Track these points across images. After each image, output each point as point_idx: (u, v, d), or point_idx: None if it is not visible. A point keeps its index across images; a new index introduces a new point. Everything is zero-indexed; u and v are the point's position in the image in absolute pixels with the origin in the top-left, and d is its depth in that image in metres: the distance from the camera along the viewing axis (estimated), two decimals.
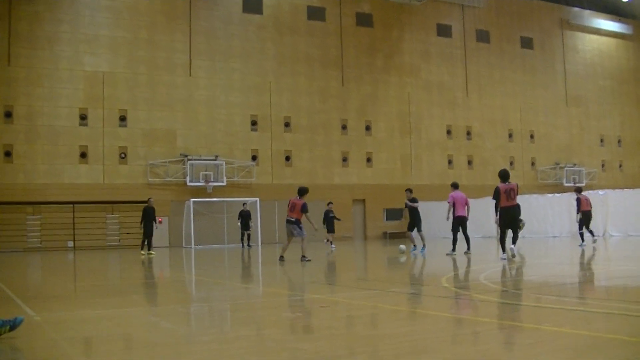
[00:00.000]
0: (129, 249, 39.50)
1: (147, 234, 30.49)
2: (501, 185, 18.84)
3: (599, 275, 15.16)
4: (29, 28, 40.69)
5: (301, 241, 22.26)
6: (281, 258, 22.30)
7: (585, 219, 26.77)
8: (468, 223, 23.54)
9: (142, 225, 30.50)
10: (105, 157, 41.92)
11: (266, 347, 7.15)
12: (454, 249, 23.10)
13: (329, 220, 33.32)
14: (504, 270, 16.42)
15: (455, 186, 24.15)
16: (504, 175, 19.14)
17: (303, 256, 21.83)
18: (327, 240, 34.08)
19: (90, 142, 41.61)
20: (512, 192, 18.77)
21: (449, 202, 23.66)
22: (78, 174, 41.25)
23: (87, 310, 10.86)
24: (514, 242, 19.10)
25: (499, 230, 19.37)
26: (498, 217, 19.07)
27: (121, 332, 8.47)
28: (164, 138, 43.47)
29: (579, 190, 27.82)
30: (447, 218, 23.84)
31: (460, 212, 23.35)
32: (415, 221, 25.16)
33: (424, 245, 25.06)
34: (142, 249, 30.72)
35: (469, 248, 23.74)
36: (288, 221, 22.17)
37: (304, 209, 21.90)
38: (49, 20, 41.29)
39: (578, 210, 26.88)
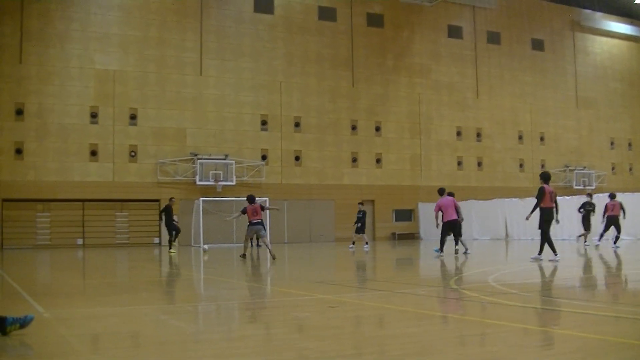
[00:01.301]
0: (138, 247, 39.61)
1: (176, 232, 32.05)
2: (546, 187, 19.03)
3: (609, 279, 15.12)
4: (40, 26, 40.82)
5: (266, 239, 24.95)
6: (243, 256, 24.66)
7: (608, 223, 27.06)
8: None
9: (166, 223, 31.28)
10: (115, 155, 42.00)
11: (273, 346, 7.17)
12: (441, 250, 23.41)
13: (359, 221, 33.47)
14: (513, 272, 16.40)
15: (440, 192, 24.70)
16: (547, 177, 19.47)
17: (273, 255, 23.56)
18: (353, 243, 34.46)
19: (101, 140, 41.70)
20: (553, 194, 19.00)
21: (435, 210, 24.10)
22: (88, 172, 41.33)
23: (96, 307, 10.89)
24: (541, 247, 19.24)
25: (542, 230, 19.25)
26: (538, 216, 19.10)
27: (130, 329, 8.50)
28: (173, 137, 43.53)
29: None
30: (437, 225, 24.16)
31: (450, 217, 23.70)
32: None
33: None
34: (170, 247, 31.38)
35: (467, 249, 24.36)
36: (255, 223, 24.04)
37: (263, 208, 24.65)
38: (60, 18, 41.40)
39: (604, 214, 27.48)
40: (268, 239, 25.41)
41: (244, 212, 24.45)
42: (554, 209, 19.30)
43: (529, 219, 19.74)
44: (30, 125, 40.24)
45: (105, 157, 41.78)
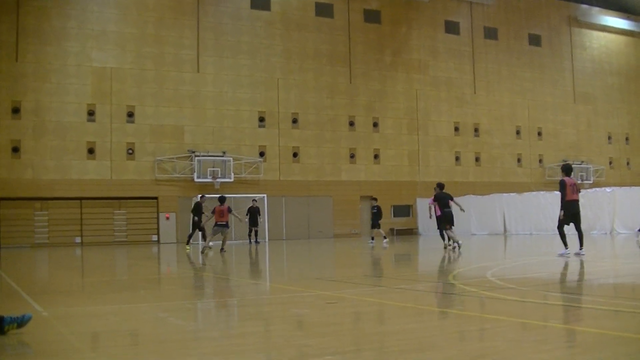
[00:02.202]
0: (137, 245, 39.59)
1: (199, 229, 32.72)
2: (567, 179, 18.48)
3: (607, 273, 15.11)
4: (36, 23, 40.77)
5: (226, 235, 27.79)
6: (203, 251, 27.78)
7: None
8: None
9: (196, 221, 31.72)
10: (113, 153, 41.99)
11: (273, 343, 7.15)
12: (447, 241, 24.74)
13: (373, 216, 34.60)
14: (511, 267, 16.40)
15: (441, 187, 25.60)
16: (568, 169, 18.86)
17: (222, 248, 27.32)
18: (372, 238, 35.55)
19: (98, 137, 41.68)
20: (575, 187, 18.51)
21: (429, 204, 25.82)
22: (86, 170, 41.31)
23: (95, 305, 10.88)
24: (580, 241, 18.69)
25: (559, 226, 18.82)
26: (562, 211, 18.57)
27: (129, 327, 8.48)
28: (171, 134, 43.51)
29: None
30: (430, 217, 26.05)
31: (439, 212, 25.13)
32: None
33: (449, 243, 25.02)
34: (207, 243, 31.37)
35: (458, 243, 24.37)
36: (221, 225, 27.06)
37: (230, 211, 27.33)
38: (57, 16, 41.35)
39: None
40: (228, 236, 28.57)
41: (213, 212, 27.16)
42: (578, 202, 18.64)
43: (562, 215, 18.65)
44: (27, 124, 40.19)
45: (103, 155, 41.75)
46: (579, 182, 55.31)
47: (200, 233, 32.84)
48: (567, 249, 18.45)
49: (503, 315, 8.48)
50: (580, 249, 18.40)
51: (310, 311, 9.58)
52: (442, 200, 24.88)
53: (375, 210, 34.48)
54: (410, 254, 24.88)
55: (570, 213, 18.45)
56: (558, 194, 39.29)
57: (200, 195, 34.07)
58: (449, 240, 24.47)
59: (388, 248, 29.23)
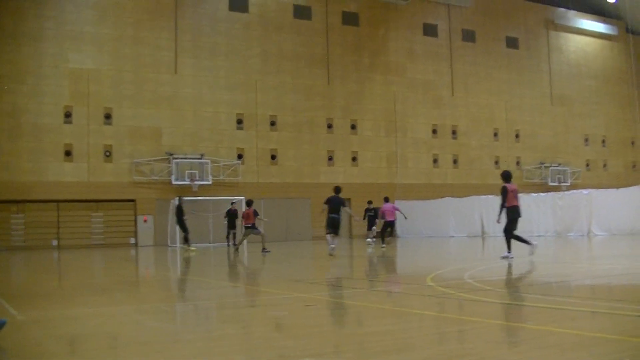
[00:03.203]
0: (115, 248, 39.43)
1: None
2: (508, 185, 18.90)
3: (585, 274, 15.20)
4: (13, 24, 40.48)
5: (262, 236, 28.79)
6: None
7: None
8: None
9: (179, 222, 32.99)
10: (90, 155, 41.75)
11: (252, 345, 7.14)
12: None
13: (369, 218, 36.42)
14: (488, 269, 16.46)
15: (385, 199, 32.00)
16: (508, 176, 19.29)
17: (264, 248, 27.88)
18: (369, 238, 36.66)
19: (75, 139, 41.43)
20: (516, 192, 18.91)
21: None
22: (63, 172, 41.05)
23: (72, 308, 10.80)
24: (508, 245, 19.08)
25: (506, 229, 19.15)
26: (505, 215, 19.02)
27: (107, 330, 8.42)
28: (149, 136, 43.33)
29: None
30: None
31: (388, 218, 31.05)
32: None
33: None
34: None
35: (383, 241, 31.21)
36: (247, 227, 28.64)
37: (255, 214, 28.72)
38: (34, 17, 41.08)
39: None
40: (264, 237, 29.13)
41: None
42: (519, 207, 19.15)
43: (499, 221, 19.42)
44: (3, 125, 39.90)
45: (80, 157, 41.52)
46: (556, 184, 55.83)
47: (184, 235, 33.00)
48: (510, 252, 18.85)
49: (481, 317, 8.52)
50: (509, 252, 18.79)
51: (289, 313, 9.58)
52: (331, 203, 24.80)
53: (372, 214, 36.19)
54: (389, 256, 24.88)
55: (512, 218, 18.90)
56: (536, 195, 39.68)
57: (178, 197, 34.19)
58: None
59: (369, 250, 29.33)
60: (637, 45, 63.81)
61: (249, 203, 29.36)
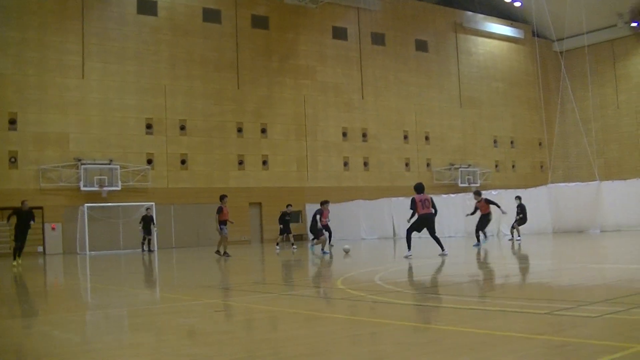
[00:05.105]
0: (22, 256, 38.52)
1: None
2: (416, 196, 20.83)
3: (495, 274, 15.42)
4: None
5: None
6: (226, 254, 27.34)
7: (483, 221, 27.35)
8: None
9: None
10: None
11: (162, 353, 7.10)
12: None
13: (284, 222, 33.93)
14: (399, 270, 16.58)
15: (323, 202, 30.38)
16: (419, 188, 21.12)
17: (224, 252, 27.24)
18: (278, 244, 35.54)
19: None
20: (426, 202, 20.70)
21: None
22: None
23: None
24: (439, 244, 20.91)
25: (407, 231, 21.11)
26: (414, 220, 20.95)
27: (9, 342, 8.21)
28: (56, 142, 42.45)
29: (478, 193, 29.01)
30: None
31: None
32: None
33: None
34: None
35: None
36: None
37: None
38: None
39: (474, 213, 28.11)
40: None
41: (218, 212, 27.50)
42: (432, 214, 20.99)
43: (411, 223, 21.20)
44: None
45: None
46: (466, 185, 56.58)
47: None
48: (410, 251, 20.74)
49: (392, 319, 8.63)
50: (443, 251, 20.62)
51: (199, 320, 9.59)
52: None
53: (288, 218, 34.12)
54: (300, 260, 24.89)
55: (423, 225, 20.82)
56: (446, 196, 40.36)
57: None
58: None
59: (279, 254, 29.33)
60: (543, 49, 65.19)
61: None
